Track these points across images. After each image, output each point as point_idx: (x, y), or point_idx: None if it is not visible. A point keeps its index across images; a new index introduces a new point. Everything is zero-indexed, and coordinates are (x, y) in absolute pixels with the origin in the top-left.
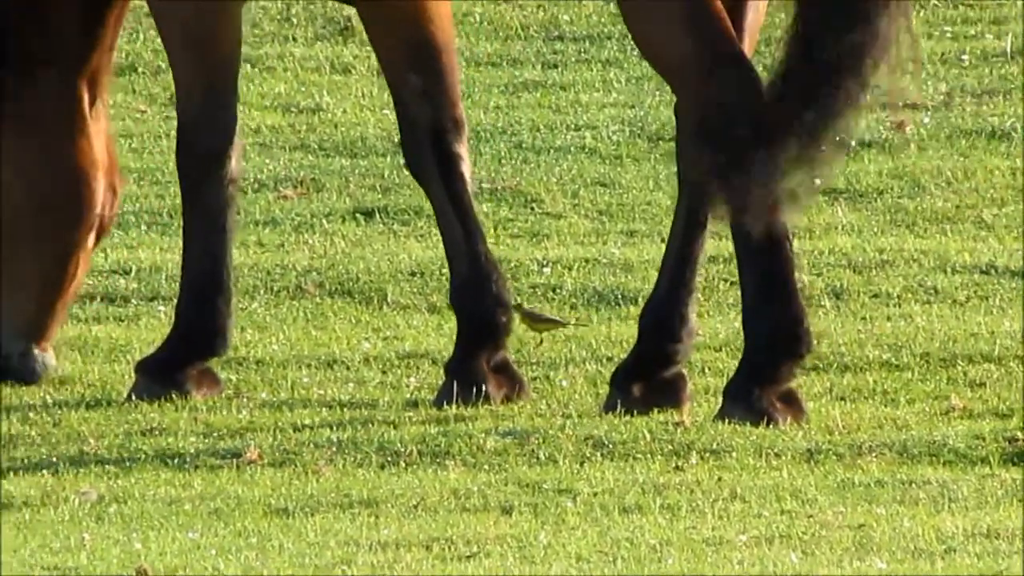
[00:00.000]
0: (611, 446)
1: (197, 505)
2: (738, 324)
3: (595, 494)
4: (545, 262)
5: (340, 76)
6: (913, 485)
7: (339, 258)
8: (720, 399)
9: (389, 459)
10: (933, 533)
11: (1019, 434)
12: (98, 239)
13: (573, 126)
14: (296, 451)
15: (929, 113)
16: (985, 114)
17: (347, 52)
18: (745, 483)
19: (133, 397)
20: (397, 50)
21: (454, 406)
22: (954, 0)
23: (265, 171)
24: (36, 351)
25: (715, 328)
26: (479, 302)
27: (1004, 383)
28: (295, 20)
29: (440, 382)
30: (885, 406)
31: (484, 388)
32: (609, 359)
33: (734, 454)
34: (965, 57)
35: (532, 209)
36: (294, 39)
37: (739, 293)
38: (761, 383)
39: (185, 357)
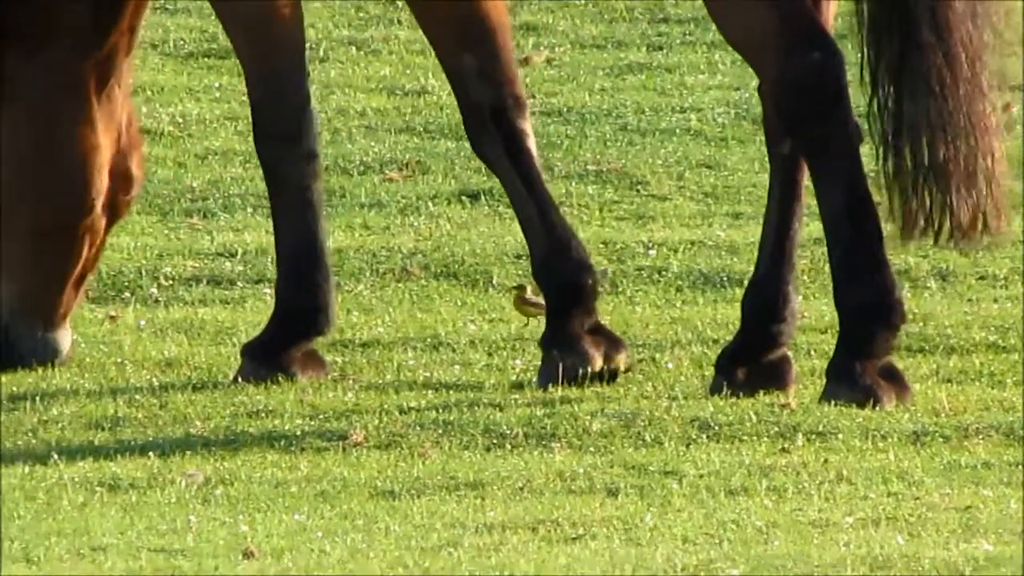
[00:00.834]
0: (717, 428)
1: (303, 487)
2: None
3: (701, 476)
4: (651, 244)
5: None
6: (1020, 467)
7: (444, 240)
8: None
9: (495, 441)
10: None
11: None
12: (112, 222)
13: (678, 108)
14: (402, 433)
15: None
16: None
17: None
18: (851, 465)
19: (239, 380)
20: (450, 31)
21: (560, 388)
22: None
23: (371, 154)
24: (40, 332)
25: (821, 310)
26: (563, 272)
27: None
28: (400, 3)
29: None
30: (991, 388)
31: (584, 348)
32: (715, 341)
33: (840, 436)
34: None
35: (638, 191)
36: (399, 22)
37: None
38: (859, 357)
39: (289, 337)
